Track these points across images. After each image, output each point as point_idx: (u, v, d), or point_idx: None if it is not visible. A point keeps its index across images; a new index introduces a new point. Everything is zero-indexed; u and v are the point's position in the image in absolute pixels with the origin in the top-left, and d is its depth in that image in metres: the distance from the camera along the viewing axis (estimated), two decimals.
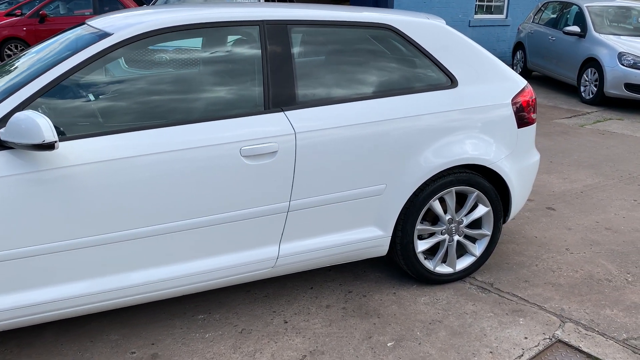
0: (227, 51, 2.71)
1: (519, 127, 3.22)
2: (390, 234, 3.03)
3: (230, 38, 2.75)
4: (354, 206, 2.90)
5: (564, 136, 6.70)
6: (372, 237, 2.99)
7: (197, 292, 2.78)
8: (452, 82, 3.08)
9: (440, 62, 3.06)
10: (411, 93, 2.97)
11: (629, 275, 3.39)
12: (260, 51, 2.71)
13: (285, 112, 2.70)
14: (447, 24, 11.24)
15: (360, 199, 2.90)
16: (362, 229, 2.97)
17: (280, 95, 2.70)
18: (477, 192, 3.16)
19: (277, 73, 2.71)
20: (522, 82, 3.31)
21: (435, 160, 2.98)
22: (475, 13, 12.11)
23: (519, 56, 11.00)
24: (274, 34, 2.73)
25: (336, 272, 3.40)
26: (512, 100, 3.19)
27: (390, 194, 2.96)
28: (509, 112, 3.18)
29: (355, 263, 3.50)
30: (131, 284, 2.53)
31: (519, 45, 11.06)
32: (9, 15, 13.13)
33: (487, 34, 12.30)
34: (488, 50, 12.08)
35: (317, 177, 2.76)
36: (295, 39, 2.82)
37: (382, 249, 3.06)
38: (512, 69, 11.24)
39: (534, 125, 3.38)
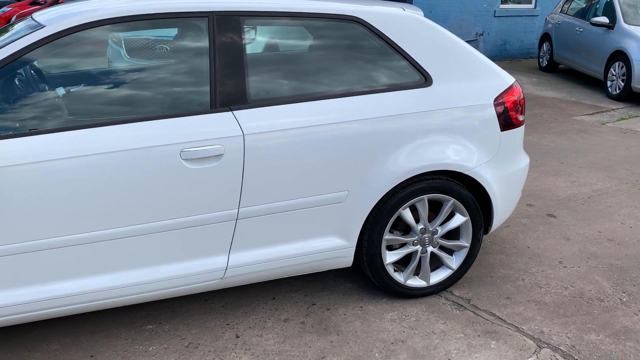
0: (173, 45, 2.52)
1: (502, 130, 2.94)
2: (355, 244, 2.80)
3: (176, 31, 2.54)
4: (313, 214, 2.68)
5: (581, 135, 6.31)
6: (334, 247, 2.76)
7: (141, 302, 2.61)
8: (425, 80, 2.81)
9: (413, 58, 2.79)
10: (378, 92, 2.72)
11: (624, 294, 3.08)
12: (207, 45, 2.50)
13: (234, 112, 2.49)
14: (471, 14, 10.84)
15: (319, 206, 2.67)
16: (322, 239, 2.75)
17: (228, 93, 2.49)
18: (452, 200, 2.90)
19: (226, 69, 2.49)
20: (509, 81, 3.01)
21: (404, 166, 2.73)
22: (502, 2, 11.62)
23: (545, 48, 10.51)
24: (224, 26, 2.52)
25: (303, 282, 3.19)
26: (495, 100, 2.90)
27: (353, 202, 2.72)
28: (491, 113, 2.89)
29: (327, 272, 3.28)
30: (64, 293, 2.38)
31: (545, 37, 10.56)
32: (32, 4, 13.25)
33: (513, 25, 11.80)
34: (515, 41, 11.62)
35: (269, 183, 2.55)
36: (249, 32, 2.60)
37: (346, 260, 2.84)
38: (538, 61, 10.79)
39: (522, 127, 3.08)
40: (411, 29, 2.80)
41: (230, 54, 2.51)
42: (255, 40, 2.62)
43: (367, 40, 2.77)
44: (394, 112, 2.70)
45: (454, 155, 2.82)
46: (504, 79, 3.00)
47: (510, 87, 2.99)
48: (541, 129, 6.50)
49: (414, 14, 2.85)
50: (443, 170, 2.83)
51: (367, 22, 2.73)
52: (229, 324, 2.80)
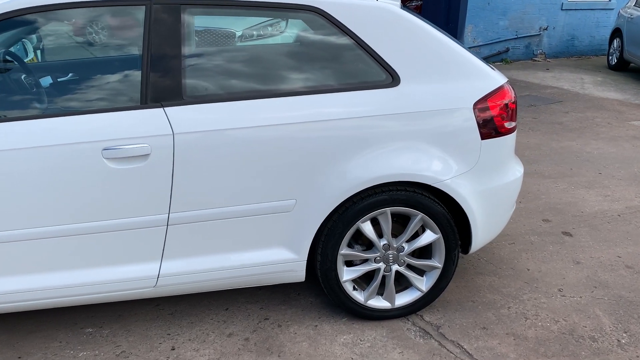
0: (106, 35, 2.35)
1: (484, 138, 2.57)
2: (305, 258, 2.54)
3: (111, 20, 2.37)
4: (255, 224, 2.44)
5: (633, 142, 5.67)
6: (281, 260, 2.52)
7: (67, 305, 2.48)
8: (392, 79, 2.49)
9: (378, 54, 2.48)
10: (335, 91, 2.44)
11: (624, 334, 2.65)
12: (142, 35, 2.31)
13: (165, 109, 2.29)
14: (534, 6, 10.12)
15: (262, 215, 2.44)
16: (267, 251, 2.51)
17: (161, 88, 2.30)
18: (420, 215, 2.57)
19: (161, 62, 2.30)
20: (498, 82, 2.63)
21: (360, 175, 2.44)
22: None
23: (616, 45, 9.64)
24: (162, 14, 2.32)
25: (265, 292, 2.96)
26: (475, 104, 2.54)
27: (302, 212, 2.46)
28: (469, 119, 2.53)
29: (292, 283, 3.04)
30: None
31: (616, 32, 9.69)
32: None
33: (583, 19, 10.93)
34: (584, 37, 10.78)
35: (203, 188, 2.34)
36: (190, 22, 2.39)
37: (297, 274, 2.58)
38: (607, 59, 9.91)
39: (511, 136, 2.70)
40: (379, 22, 2.49)
41: (167, 45, 2.31)
42: (199, 31, 2.41)
43: (327, 32, 2.48)
44: (351, 115, 2.42)
45: (420, 165, 2.49)
46: (492, 80, 2.62)
47: (498, 90, 2.61)
48: (588, 134, 5.91)
49: (386, 4, 2.53)
50: (409, 181, 2.51)
51: (326, 12, 2.45)
52: (169, 334, 2.63)
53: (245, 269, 2.50)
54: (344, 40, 2.47)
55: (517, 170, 2.81)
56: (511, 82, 8.54)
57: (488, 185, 2.64)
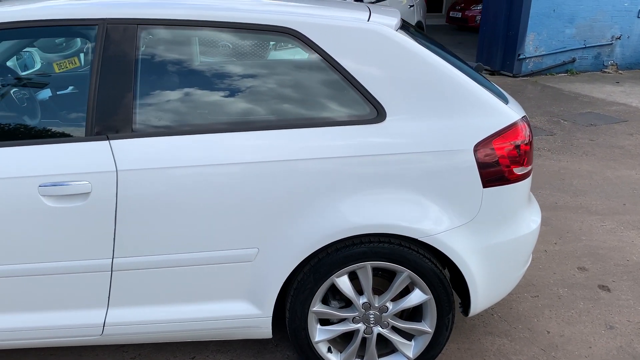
0: (54, 59, 2.13)
1: (486, 186, 2.17)
2: (270, 314, 2.22)
3: (63, 42, 2.15)
4: (212, 273, 2.16)
5: None
6: (244, 315, 2.22)
7: (10, 348, 2.28)
8: (377, 113, 2.13)
9: (362, 83, 2.13)
10: (308, 126, 2.11)
11: None
12: (92, 59, 2.07)
13: (111, 142, 2.04)
14: (606, 13, 9.32)
15: (219, 264, 2.14)
16: (227, 304, 2.21)
17: (109, 118, 2.05)
18: (407, 272, 2.20)
19: (110, 88, 2.05)
20: (507, 119, 2.21)
21: (334, 224, 2.10)
22: None
23: None
24: (116, 36, 2.07)
25: (239, 341, 2.67)
26: (477, 145, 2.14)
27: (266, 262, 2.15)
28: (469, 162, 2.14)
29: (274, 332, 2.73)
30: None
31: None
32: None
33: None
34: None
35: (150, 233, 2.07)
36: (149, 45, 2.13)
37: (261, 331, 2.27)
38: None
39: (523, 183, 2.27)
40: (364, 46, 2.14)
41: (118, 70, 2.05)
42: (156, 55, 2.14)
43: (304, 58, 2.16)
44: (325, 154, 2.08)
45: (406, 216, 2.12)
46: (502, 116, 2.21)
47: (508, 129, 2.20)
48: None
49: (375, 25, 2.17)
50: (391, 233, 2.15)
51: (302, 34, 2.12)
52: None
53: (202, 322, 2.21)
54: (322, 66, 2.13)
55: (531, 222, 2.38)
56: (572, 96, 7.88)
57: (491, 241, 2.23)
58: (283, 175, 2.06)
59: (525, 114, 2.34)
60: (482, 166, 2.14)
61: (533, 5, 8.72)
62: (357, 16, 2.24)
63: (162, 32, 2.12)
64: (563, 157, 5.34)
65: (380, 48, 2.14)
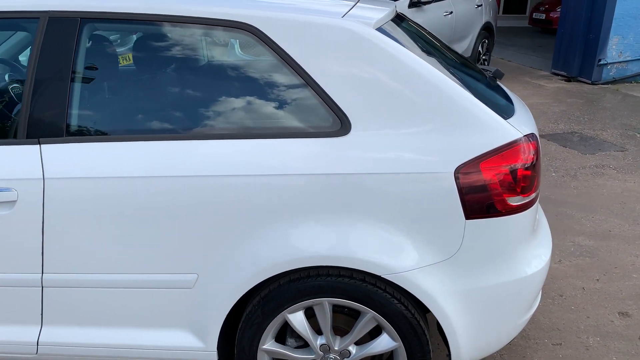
0: None
1: (470, 217, 1.79)
2: (215, 348, 1.96)
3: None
4: (149, 297, 1.93)
5: None
6: (185, 346, 1.97)
7: None
8: (341, 125, 1.81)
9: (325, 90, 1.81)
10: (259, 137, 1.83)
11: None
12: (30, 54, 1.90)
13: (42, 146, 1.86)
14: None
15: (155, 288, 1.91)
16: (167, 332, 1.97)
17: (41, 120, 1.86)
18: (371, 313, 1.87)
19: (46, 87, 1.86)
20: (502, 138, 1.82)
21: (285, 252, 1.81)
22: None
23: None
24: (57, 31, 1.88)
25: None
26: (459, 168, 1.77)
27: (207, 291, 1.89)
28: (449, 188, 1.77)
29: None
30: None
31: None
32: None
33: None
34: None
35: (80, 249, 1.87)
36: (88, 40, 1.92)
37: None
38: None
39: (522, 215, 1.86)
40: (332, 46, 1.82)
41: (55, 67, 1.87)
42: (101, 52, 1.93)
43: (260, 57, 1.88)
44: (274, 171, 1.79)
45: (367, 248, 1.79)
46: (496, 133, 1.82)
47: (504, 149, 1.80)
48: None
49: (348, 23, 1.85)
50: (350, 267, 1.82)
51: (261, 31, 1.84)
52: None
53: (141, 350, 1.99)
54: (280, 68, 1.84)
55: (535, 260, 1.96)
56: None
57: (477, 284, 1.85)
58: (225, 193, 1.79)
59: (533, 132, 1.93)
60: (466, 193, 1.77)
61: (618, 6, 7.90)
62: (332, 10, 1.93)
63: (106, 27, 1.92)
64: (630, 177, 4.70)
65: (352, 48, 1.82)
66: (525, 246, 1.94)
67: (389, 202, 1.78)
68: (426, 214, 1.78)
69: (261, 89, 1.85)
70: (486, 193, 1.78)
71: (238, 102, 1.85)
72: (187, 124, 1.85)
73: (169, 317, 1.94)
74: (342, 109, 1.80)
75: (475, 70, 2.36)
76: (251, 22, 1.84)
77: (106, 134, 1.86)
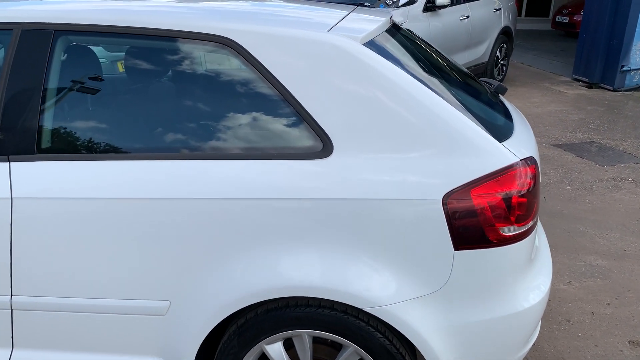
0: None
1: (460, 248, 1.66)
2: None
3: None
4: (121, 323, 1.84)
5: None
6: None
7: None
8: (323, 147, 1.70)
9: (307, 109, 1.70)
10: (235, 158, 1.72)
11: None
12: (2, 66, 1.82)
13: (12, 164, 1.78)
14: None
15: (127, 314, 1.82)
16: (140, 358, 1.88)
17: (12, 137, 1.79)
18: (353, 347, 1.76)
19: (17, 102, 1.79)
20: (496, 162, 1.69)
21: (260, 280, 1.70)
22: None
23: None
24: (30, 43, 1.81)
25: None
26: (448, 195, 1.64)
27: (180, 318, 1.80)
28: (437, 216, 1.64)
29: None
30: None
31: None
32: None
33: None
34: None
35: (49, 272, 1.79)
36: (62, 53, 1.84)
37: None
38: None
39: (517, 246, 1.73)
40: (315, 63, 1.71)
41: (27, 81, 1.79)
42: (75, 66, 1.85)
43: (239, 73, 1.77)
44: (250, 194, 1.68)
45: (347, 279, 1.67)
46: (490, 157, 1.69)
47: (498, 174, 1.67)
48: None
49: (334, 38, 1.73)
50: (330, 299, 1.71)
51: (240, 45, 1.74)
52: None
53: None
54: (260, 85, 1.74)
55: (532, 292, 1.82)
56: None
57: (467, 319, 1.72)
58: (197, 217, 1.69)
59: (531, 155, 1.80)
60: (455, 222, 1.64)
61: None
62: (318, 23, 1.82)
63: (81, 40, 1.83)
64: None
65: (336, 65, 1.71)
66: (522, 277, 1.80)
67: (371, 230, 1.66)
68: (412, 243, 1.66)
69: (239, 107, 1.75)
70: (477, 222, 1.65)
71: (213, 121, 1.75)
72: (159, 144, 1.76)
73: (142, 345, 1.85)
74: (325, 129, 1.69)
75: (476, 86, 2.23)
76: (229, 36, 1.74)
77: (77, 152, 1.77)
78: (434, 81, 1.87)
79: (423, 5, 6.16)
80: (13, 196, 1.75)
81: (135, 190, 1.71)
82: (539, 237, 2.17)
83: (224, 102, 1.76)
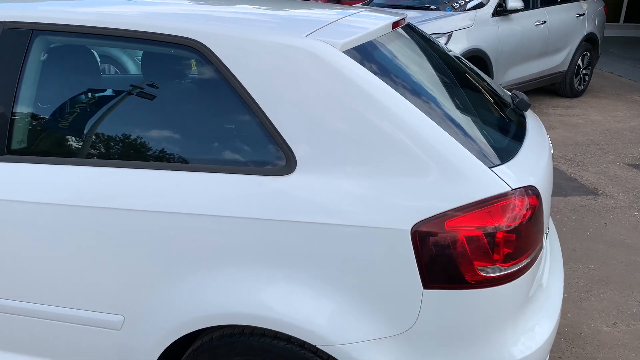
0: None
1: (429, 287, 1.45)
2: None
3: None
4: (79, 334, 1.77)
5: None
6: None
7: None
8: (286, 162, 1.54)
9: (271, 120, 1.55)
10: (191, 170, 1.60)
11: None
12: None
13: None
14: None
15: (84, 325, 1.75)
16: None
17: None
18: None
19: None
20: (483, 191, 1.45)
21: (201, 306, 1.58)
22: None
23: None
24: (9, 42, 1.78)
25: None
26: (417, 224, 1.43)
27: (134, 335, 1.70)
28: (404, 249, 1.44)
29: None
30: None
31: None
32: None
33: None
34: None
35: (12, 274, 1.75)
36: (40, 53, 1.80)
37: None
38: None
39: (502, 289, 1.49)
40: (287, 70, 1.55)
41: (3, 79, 1.77)
42: (52, 66, 1.80)
43: (204, 78, 1.65)
44: (203, 210, 1.55)
45: (298, 311, 1.50)
46: (474, 184, 1.46)
47: (482, 204, 1.44)
48: None
49: (310, 43, 1.57)
50: (282, 332, 1.54)
51: (208, 48, 1.62)
52: None
53: None
54: (226, 92, 1.61)
55: (522, 345, 1.56)
56: None
57: None
58: (150, 230, 1.59)
59: (532, 184, 1.54)
60: (424, 257, 1.43)
61: None
62: (302, 25, 1.67)
63: (60, 41, 1.79)
64: None
65: (308, 73, 1.55)
66: (512, 325, 1.56)
67: (329, 259, 1.48)
68: (375, 277, 1.47)
69: (200, 114, 1.63)
70: (451, 259, 1.43)
71: (169, 128, 1.64)
72: (120, 149, 1.67)
73: (101, 357, 1.78)
74: (289, 144, 1.53)
75: (489, 99, 1.98)
76: (198, 38, 1.62)
77: (45, 155, 1.73)
78: (430, 93, 1.66)
79: (493, 9, 5.80)
80: None
81: (91, 198, 1.63)
82: (548, 271, 1.89)
83: (183, 108, 1.64)
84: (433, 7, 6.00)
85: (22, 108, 1.76)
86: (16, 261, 1.72)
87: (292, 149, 1.53)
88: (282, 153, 1.54)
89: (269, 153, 1.55)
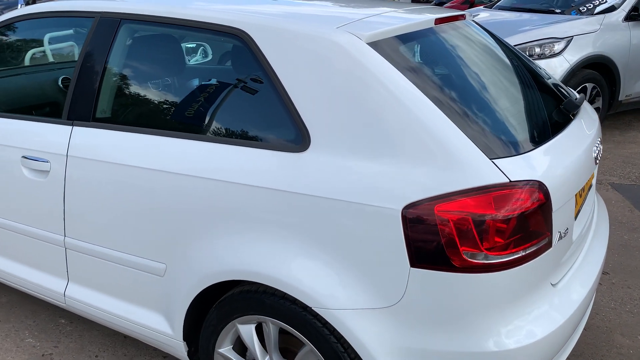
0: (51, 47, 2.31)
1: (416, 266, 1.53)
2: (181, 338, 2.02)
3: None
4: (133, 276, 2.08)
5: None
6: (159, 329, 2.07)
7: None
8: (302, 141, 1.70)
9: (295, 103, 1.72)
10: (229, 143, 1.82)
11: None
12: (81, 47, 2.20)
13: (75, 127, 2.14)
14: None
15: (137, 270, 2.05)
16: (146, 312, 2.10)
17: (78, 105, 2.14)
18: (309, 346, 1.74)
19: (86, 76, 2.14)
20: (479, 179, 1.50)
21: (217, 262, 1.81)
22: None
23: None
24: (103, 30, 2.14)
25: None
26: (408, 206, 1.52)
27: (173, 282, 1.97)
28: (393, 227, 1.54)
29: None
30: None
31: None
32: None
33: None
34: None
35: (87, 220, 2.11)
36: (125, 37, 2.13)
37: (174, 350, 2.08)
38: None
39: (494, 276, 1.52)
40: (315, 59, 1.71)
41: (95, 60, 2.13)
42: (130, 51, 2.12)
43: (246, 64, 1.86)
44: (231, 178, 1.77)
45: (297, 274, 1.66)
46: (472, 173, 1.51)
47: (474, 193, 1.49)
48: None
49: (338, 35, 1.71)
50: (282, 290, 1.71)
51: (252, 38, 1.83)
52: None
53: (128, 323, 2.15)
54: (259, 75, 1.81)
55: (513, 334, 1.57)
56: None
57: (425, 345, 1.58)
58: (190, 192, 1.84)
59: (538, 179, 1.55)
60: (412, 237, 1.52)
61: None
62: (339, 18, 1.84)
63: (140, 28, 2.11)
64: None
65: (331, 62, 1.70)
66: (511, 312, 1.57)
67: (328, 230, 1.62)
68: (368, 251, 1.58)
69: (243, 98, 1.85)
70: (437, 241, 1.50)
71: (207, 105, 1.88)
72: (163, 120, 1.95)
73: (148, 299, 2.06)
74: (306, 125, 1.69)
75: (535, 96, 1.97)
76: (244, 28, 1.84)
77: (119, 122, 2.06)
78: (454, 85, 1.74)
79: (626, 13, 5.40)
80: (68, 154, 2.10)
81: (145, 161, 1.92)
82: (578, 269, 1.85)
83: (221, 89, 1.87)
84: (558, 10, 5.73)
85: (108, 83, 2.11)
86: (93, 210, 2.07)
87: (308, 130, 1.69)
88: (299, 133, 1.70)
89: (288, 132, 1.73)
